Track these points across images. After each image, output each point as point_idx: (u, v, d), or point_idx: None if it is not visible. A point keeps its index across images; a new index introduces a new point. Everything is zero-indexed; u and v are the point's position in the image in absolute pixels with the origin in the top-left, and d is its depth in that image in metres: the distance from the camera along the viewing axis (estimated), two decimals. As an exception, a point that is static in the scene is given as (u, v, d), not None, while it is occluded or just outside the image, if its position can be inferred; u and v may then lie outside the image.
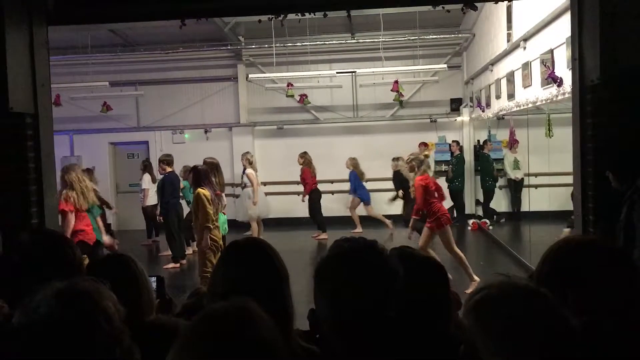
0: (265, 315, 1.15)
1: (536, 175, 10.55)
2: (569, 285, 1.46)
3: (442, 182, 12.28)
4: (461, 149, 12.19)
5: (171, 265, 9.13)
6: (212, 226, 5.89)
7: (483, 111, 10.84)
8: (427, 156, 7.69)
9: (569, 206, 4.18)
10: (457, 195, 12.05)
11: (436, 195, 7.17)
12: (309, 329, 1.44)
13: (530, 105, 7.65)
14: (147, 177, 10.58)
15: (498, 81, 9.49)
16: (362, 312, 1.32)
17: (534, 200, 10.28)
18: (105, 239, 6.58)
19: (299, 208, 11.97)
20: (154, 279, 2.16)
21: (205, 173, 6.25)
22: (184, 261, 9.28)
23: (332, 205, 12.48)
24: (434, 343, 1.48)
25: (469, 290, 5.62)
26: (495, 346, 1.10)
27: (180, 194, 9.51)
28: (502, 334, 1.10)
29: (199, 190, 5.98)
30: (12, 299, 1.82)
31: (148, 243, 11.02)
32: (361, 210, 11.64)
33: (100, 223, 6.61)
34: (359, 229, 11.22)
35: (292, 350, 1.51)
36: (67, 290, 1.29)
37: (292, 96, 11.63)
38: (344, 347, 1.33)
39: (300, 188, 11.61)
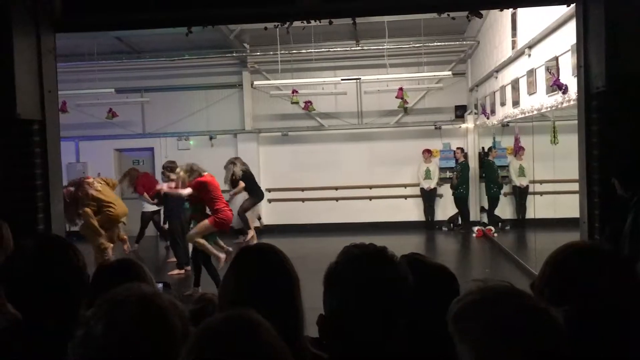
0: (267, 324, 1.13)
1: (541, 182, 10.53)
2: (570, 290, 1.46)
3: (447, 189, 12.34)
4: (466, 155, 12.17)
5: (176, 271, 9.13)
6: None
7: (488, 118, 10.83)
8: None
9: (575, 213, 4.16)
10: (461, 202, 12.04)
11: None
12: (318, 335, 1.44)
13: (535, 112, 7.65)
14: None
15: (503, 88, 9.49)
16: (372, 319, 1.32)
17: (539, 208, 10.25)
18: None
19: (304, 214, 11.99)
20: (160, 285, 2.16)
21: None
22: (189, 267, 9.26)
23: (335, 213, 12.50)
24: (444, 350, 1.47)
25: None
26: (479, 353, 1.08)
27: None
28: (484, 339, 1.08)
29: None
30: (18, 305, 1.83)
31: (134, 249, 10.93)
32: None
33: None
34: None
35: (303, 357, 1.50)
36: (149, 301, 1.30)
37: (297, 103, 11.65)
38: (353, 353, 1.33)
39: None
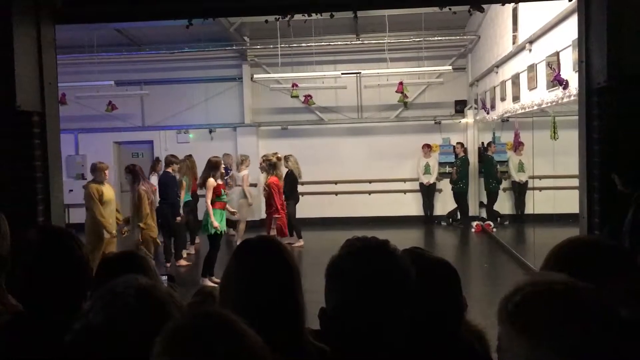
0: (238, 320, 1.09)
1: (541, 177, 10.53)
2: None
3: (446, 184, 12.35)
4: (465, 150, 12.17)
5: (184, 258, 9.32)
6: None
7: (488, 113, 10.82)
8: (279, 159, 7.65)
9: (574, 209, 4.17)
10: (461, 197, 12.05)
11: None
12: (320, 327, 1.44)
13: (535, 107, 7.63)
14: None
15: (503, 83, 9.47)
16: (374, 312, 1.33)
17: (538, 203, 10.27)
18: None
19: (304, 208, 11.97)
20: (165, 277, 2.16)
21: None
22: (169, 264, 9.15)
23: (335, 207, 12.50)
24: (445, 344, 1.48)
25: None
26: (539, 346, 1.05)
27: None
28: (546, 332, 1.04)
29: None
30: (21, 297, 1.83)
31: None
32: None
33: None
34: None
35: (305, 349, 1.50)
36: (147, 293, 1.30)
37: (297, 97, 11.63)
38: (355, 346, 1.33)
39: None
